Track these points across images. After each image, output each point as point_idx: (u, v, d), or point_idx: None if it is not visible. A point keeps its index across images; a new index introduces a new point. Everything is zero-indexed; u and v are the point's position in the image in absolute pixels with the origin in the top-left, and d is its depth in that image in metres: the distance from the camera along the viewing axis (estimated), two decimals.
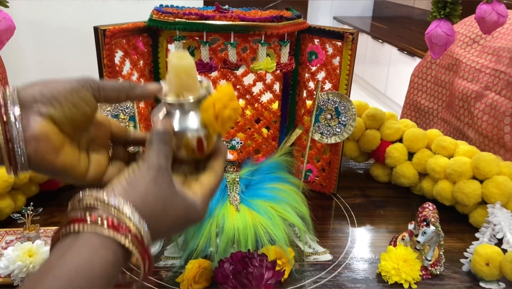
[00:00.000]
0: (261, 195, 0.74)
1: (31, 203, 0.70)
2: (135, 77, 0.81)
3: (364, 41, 3.96)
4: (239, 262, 0.63)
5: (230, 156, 0.77)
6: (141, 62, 0.82)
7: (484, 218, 0.79)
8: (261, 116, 0.91)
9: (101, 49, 0.73)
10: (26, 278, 0.62)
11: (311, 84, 0.88)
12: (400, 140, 0.98)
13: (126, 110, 0.77)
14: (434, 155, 0.92)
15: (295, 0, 4.36)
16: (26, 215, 0.70)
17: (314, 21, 4.66)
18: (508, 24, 1.09)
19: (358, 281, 0.69)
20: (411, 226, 0.74)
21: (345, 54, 0.81)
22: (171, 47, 0.81)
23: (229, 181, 0.75)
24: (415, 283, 0.68)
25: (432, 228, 0.68)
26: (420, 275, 0.69)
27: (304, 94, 0.90)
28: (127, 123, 0.77)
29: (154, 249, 0.74)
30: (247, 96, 0.89)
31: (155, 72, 0.83)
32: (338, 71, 0.84)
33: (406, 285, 0.68)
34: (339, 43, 0.82)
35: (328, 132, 0.86)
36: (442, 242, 0.71)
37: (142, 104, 0.84)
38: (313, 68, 0.87)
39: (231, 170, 0.77)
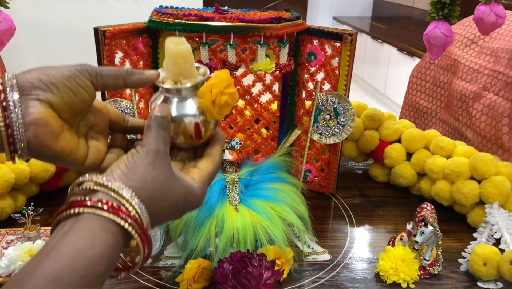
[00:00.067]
0: (260, 195, 0.74)
1: (32, 203, 0.71)
2: None
3: (364, 41, 3.97)
4: (239, 262, 0.63)
5: (229, 156, 0.78)
6: (141, 63, 0.82)
7: (482, 218, 0.80)
8: (260, 117, 0.91)
9: (101, 50, 0.73)
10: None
11: (310, 85, 0.89)
12: (399, 140, 0.98)
13: (126, 111, 0.78)
14: (432, 155, 0.92)
15: (294, 0, 4.36)
16: (26, 215, 0.70)
17: (313, 21, 4.67)
18: (506, 25, 1.10)
19: (356, 280, 0.70)
20: (409, 226, 0.74)
21: (344, 55, 0.81)
22: None
23: (228, 181, 0.75)
24: (413, 283, 0.69)
25: (430, 228, 0.69)
26: (418, 275, 0.69)
27: (303, 95, 0.91)
28: None
29: (154, 248, 0.74)
30: (247, 97, 0.89)
31: None
32: (337, 72, 0.84)
33: (404, 285, 0.68)
34: (338, 44, 0.82)
35: (327, 133, 0.87)
36: (440, 242, 0.72)
37: (142, 105, 0.84)
38: (312, 69, 0.87)
39: (231, 170, 0.77)
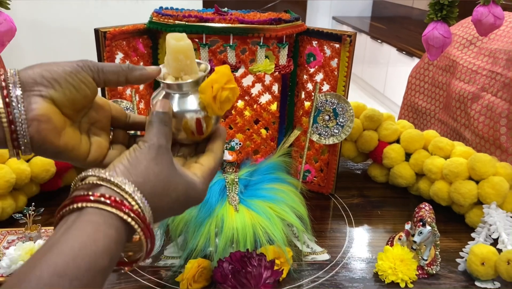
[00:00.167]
0: (260, 195, 0.75)
1: (33, 203, 0.71)
2: None
3: (363, 41, 3.97)
4: (238, 262, 0.64)
5: (229, 157, 0.78)
6: (141, 63, 0.82)
7: (480, 218, 0.80)
8: (260, 117, 0.92)
9: (101, 51, 0.74)
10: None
11: (310, 86, 0.89)
12: (398, 141, 0.99)
13: (127, 112, 0.78)
14: (431, 155, 0.93)
15: (294, 0, 4.36)
16: (27, 215, 0.70)
17: (313, 21, 4.67)
18: (504, 26, 1.10)
19: (355, 280, 0.70)
20: (407, 226, 0.75)
21: (343, 56, 0.82)
22: None
23: (228, 182, 0.76)
24: (411, 283, 0.69)
25: (428, 228, 0.69)
26: (416, 275, 0.70)
27: (303, 96, 0.91)
28: None
29: (156, 243, 0.75)
30: (246, 98, 0.90)
31: None
32: (336, 73, 0.84)
33: (402, 285, 0.69)
34: (337, 45, 0.83)
35: (326, 133, 0.87)
36: (438, 242, 0.72)
37: (142, 105, 0.85)
38: (311, 70, 0.88)
39: (230, 170, 0.78)
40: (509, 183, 0.82)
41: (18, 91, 0.33)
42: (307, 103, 0.91)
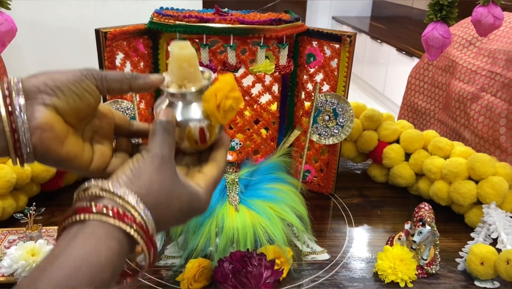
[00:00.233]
0: (260, 195, 0.75)
1: (34, 203, 0.71)
2: None
3: (363, 41, 3.97)
4: (238, 261, 0.64)
5: (229, 157, 0.78)
6: (142, 64, 0.83)
7: (480, 218, 0.80)
8: (260, 117, 0.92)
9: (102, 51, 0.74)
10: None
11: (309, 86, 0.89)
12: (397, 141, 0.99)
13: (127, 112, 0.78)
14: (430, 155, 0.93)
15: (294, 0, 4.36)
16: (28, 214, 0.70)
17: (312, 21, 4.67)
18: (504, 26, 1.10)
19: (355, 280, 0.71)
20: (407, 226, 0.75)
21: (343, 56, 0.82)
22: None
23: (228, 182, 0.76)
24: (411, 282, 0.69)
25: (427, 228, 0.69)
26: (416, 274, 0.70)
27: (303, 96, 0.91)
28: None
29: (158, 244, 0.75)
30: (246, 98, 0.90)
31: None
32: (336, 73, 0.85)
33: (402, 284, 0.69)
34: (337, 46, 0.83)
35: (326, 134, 0.87)
36: (438, 242, 0.72)
37: (142, 105, 0.85)
38: (311, 70, 0.88)
39: (231, 170, 0.78)
40: (508, 182, 0.83)
41: (21, 100, 0.33)
42: (307, 104, 0.92)
